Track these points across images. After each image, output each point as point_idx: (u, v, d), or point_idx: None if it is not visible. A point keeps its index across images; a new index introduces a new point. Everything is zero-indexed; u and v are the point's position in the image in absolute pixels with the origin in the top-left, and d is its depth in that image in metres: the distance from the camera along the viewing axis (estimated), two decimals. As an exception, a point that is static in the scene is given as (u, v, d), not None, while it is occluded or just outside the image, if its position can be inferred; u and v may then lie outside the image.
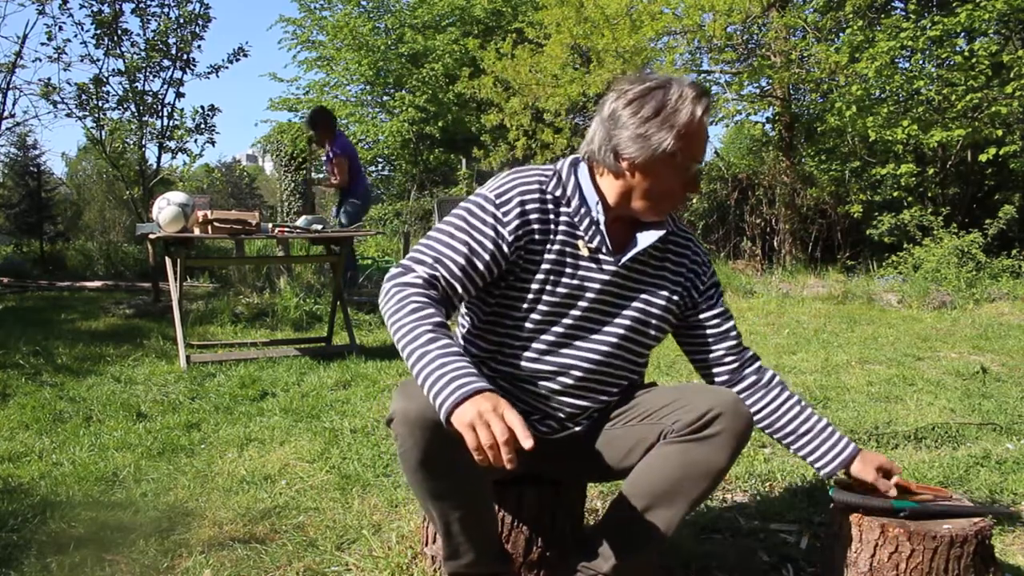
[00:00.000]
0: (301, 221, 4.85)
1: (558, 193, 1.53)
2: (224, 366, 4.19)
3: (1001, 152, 8.36)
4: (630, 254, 1.55)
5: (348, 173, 6.48)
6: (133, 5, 7.60)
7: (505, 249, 1.48)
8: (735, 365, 1.69)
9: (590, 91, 10.28)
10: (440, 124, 15.34)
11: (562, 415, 1.60)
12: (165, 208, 4.15)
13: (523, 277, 1.52)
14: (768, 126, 11.49)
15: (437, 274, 1.43)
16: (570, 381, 1.56)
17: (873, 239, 9.42)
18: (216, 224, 4.22)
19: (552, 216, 1.52)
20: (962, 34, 8.76)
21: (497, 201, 1.49)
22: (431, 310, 1.36)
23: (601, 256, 1.54)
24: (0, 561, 1.90)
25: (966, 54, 8.38)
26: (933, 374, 4.05)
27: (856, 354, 4.59)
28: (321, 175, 7.08)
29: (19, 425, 3.08)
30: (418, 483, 1.41)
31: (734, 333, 1.70)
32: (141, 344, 4.80)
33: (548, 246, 1.52)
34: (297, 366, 4.20)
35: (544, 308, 1.53)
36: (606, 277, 1.55)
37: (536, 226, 1.50)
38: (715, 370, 1.70)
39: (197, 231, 4.26)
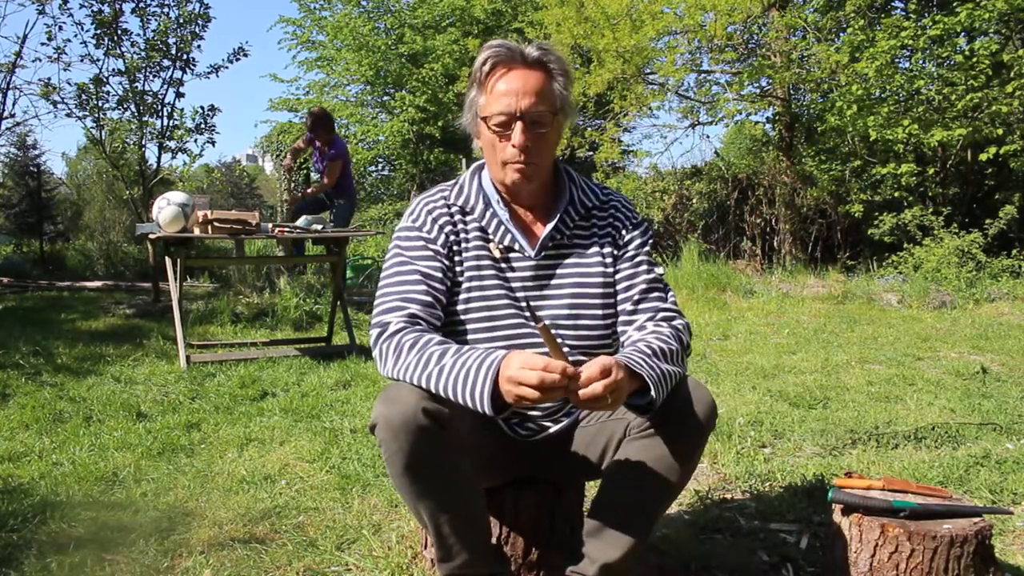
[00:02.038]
0: (301, 221, 4.86)
1: (460, 202, 1.57)
2: (224, 366, 4.19)
3: (1001, 151, 8.35)
4: (541, 242, 1.57)
5: (339, 175, 6.58)
6: (133, 5, 7.62)
7: (446, 262, 1.53)
8: (638, 322, 1.56)
9: (590, 91, 10.27)
10: (440, 124, 15.35)
11: (538, 412, 1.61)
12: (165, 208, 4.15)
13: (454, 290, 1.55)
14: (768, 126, 11.49)
15: (412, 311, 1.47)
16: None
17: (873, 239, 9.41)
18: (216, 224, 4.22)
19: (461, 225, 1.56)
20: (962, 33, 8.75)
21: (416, 224, 1.55)
22: (427, 336, 1.41)
23: (513, 254, 1.56)
24: (0, 561, 1.90)
25: (966, 53, 8.37)
26: (933, 374, 4.05)
27: (856, 354, 4.59)
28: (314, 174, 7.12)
29: (19, 425, 3.08)
30: (405, 487, 1.42)
31: (638, 289, 1.57)
32: (141, 344, 4.80)
33: (465, 254, 1.56)
34: (297, 366, 4.20)
35: (480, 315, 1.54)
36: (527, 272, 1.56)
37: (451, 237, 1.55)
38: (619, 327, 1.59)
39: (197, 231, 4.26)
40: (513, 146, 1.48)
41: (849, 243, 10.21)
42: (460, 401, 1.31)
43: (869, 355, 4.58)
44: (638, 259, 1.60)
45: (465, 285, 1.54)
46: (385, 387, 1.44)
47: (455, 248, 1.55)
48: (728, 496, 2.37)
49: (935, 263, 7.67)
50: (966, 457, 2.64)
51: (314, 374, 4.04)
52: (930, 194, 9.33)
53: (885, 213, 9.09)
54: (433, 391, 1.35)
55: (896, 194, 9.33)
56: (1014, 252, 7.97)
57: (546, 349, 1.32)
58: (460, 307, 1.55)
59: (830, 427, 3.04)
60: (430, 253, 1.53)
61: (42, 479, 2.47)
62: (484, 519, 1.57)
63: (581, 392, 1.25)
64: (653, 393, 1.35)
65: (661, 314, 1.57)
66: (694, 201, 10.62)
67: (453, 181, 1.62)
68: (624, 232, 1.62)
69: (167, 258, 4.49)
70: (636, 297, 1.57)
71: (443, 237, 1.54)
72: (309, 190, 6.89)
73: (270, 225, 4.79)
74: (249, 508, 2.25)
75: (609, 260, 1.60)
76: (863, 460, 2.66)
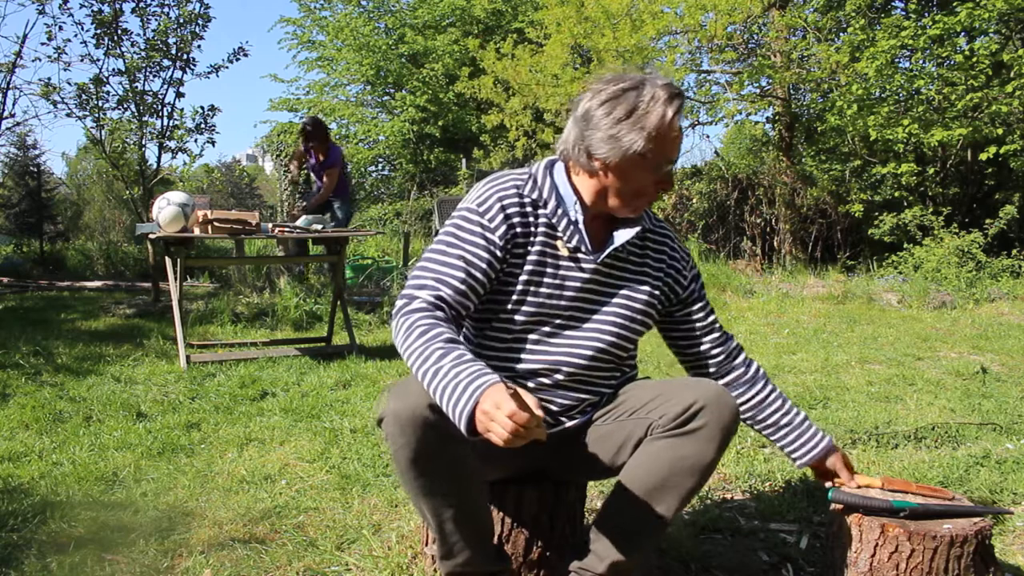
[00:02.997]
0: (301, 221, 4.86)
1: (535, 196, 1.56)
2: (224, 366, 4.19)
3: (1001, 151, 8.35)
4: (608, 251, 1.58)
5: (336, 185, 6.59)
6: (133, 5, 7.60)
7: (499, 254, 1.51)
8: (722, 357, 1.73)
9: (590, 91, 10.24)
10: (440, 124, 15.36)
11: (555, 408, 1.61)
12: (165, 208, 4.15)
13: (507, 280, 1.55)
14: (768, 126, 11.49)
15: (441, 294, 1.45)
16: (561, 377, 1.58)
17: (873, 239, 9.42)
18: (216, 224, 4.22)
19: (531, 218, 1.55)
20: (962, 33, 8.75)
21: (480, 210, 1.52)
22: (439, 328, 1.37)
23: (580, 255, 1.57)
24: (0, 561, 1.90)
25: (966, 53, 8.37)
26: (933, 374, 4.05)
27: (856, 354, 4.59)
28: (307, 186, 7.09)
29: (19, 425, 3.08)
30: (410, 482, 1.42)
31: (717, 325, 1.75)
32: (141, 344, 4.80)
33: (529, 247, 1.54)
34: (297, 366, 4.20)
35: (529, 308, 1.55)
36: (586, 275, 1.58)
37: (518, 229, 1.53)
38: (705, 362, 1.74)
39: (197, 231, 4.26)
40: (665, 188, 1.54)
41: (849, 243, 10.22)
42: (443, 408, 1.30)
43: (869, 355, 4.58)
44: (704, 300, 1.74)
45: (523, 278, 1.54)
46: (395, 382, 1.44)
47: (519, 241, 1.54)
48: (728, 496, 2.37)
49: (935, 263, 7.67)
50: (966, 457, 2.64)
51: (314, 374, 4.04)
52: (930, 194, 9.33)
53: (885, 213, 9.10)
54: (424, 386, 1.34)
55: (896, 194, 9.34)
56: (1014, 252, 7.97)
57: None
58: (515, 298, 1.54)
59: (830, 427, 3.04)
60: (483, 243, 1.50)
61: (42, 479, 2.47)
62: (487, 517, 1.58)
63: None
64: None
65: (754, 365, 1.77)
66: (694, 201, 10.62)
67: (523, 172, 1.60)
68: (683, 268, 1.70)
69: (167, 258, 4.49)
70: (719, 338, 1.74)
71: (504, 228, 1.51)
72: (313, 201, 6.85)
73: (270, 225, 4.79)
74: (249, 508, 2.25)
75: (660, 284, 1.65)
76: (863, 460, 2.66)
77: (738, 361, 1.74)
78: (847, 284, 7.64)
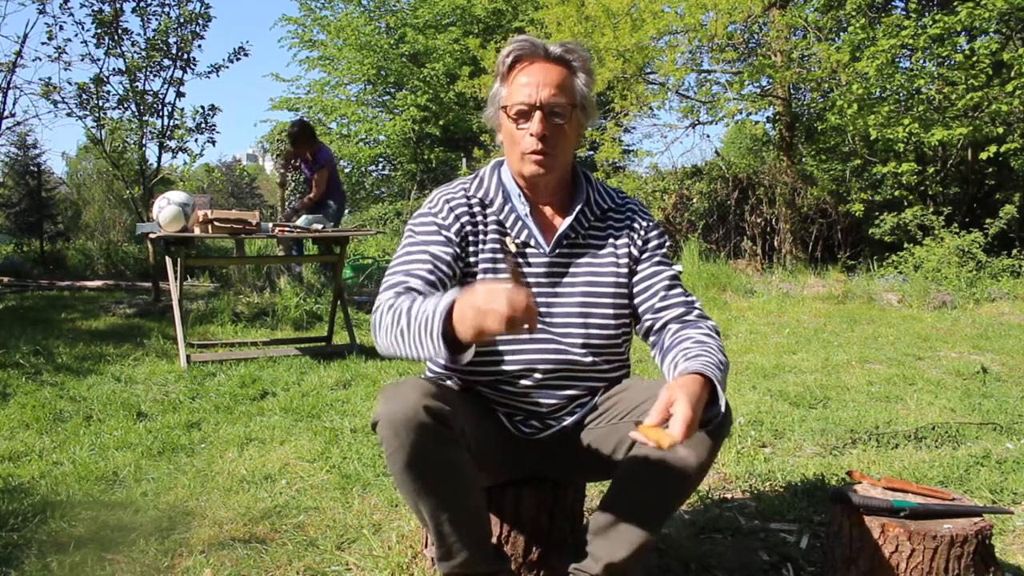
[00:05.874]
0: (301, 221, 4.86)
1: (480, 194, 1.59)
2: (224, 365, 4.19)
3: (1002, 150, 8.35)
4: (555, 239, 1.58)
5: (327, 184, 6.60)
6: (133, 4, 7.59)
7: (457, 249, 1.54)
8: (676, 326, 1.57)
9: (590, 90, 10.25)
10: (441, 123, 15.37)
11: (543, 409, 1.61)
12: (165, 208, 4.15)
13: (465, 281, 1.56)
14: (768, 125, 11.48)
15: (411, 284, 1.47)
16: (540, 376, 1.57)
17: (874, 238, 9.42)
18: (216, 224, 4.22)
19: (479, 217, 1.57)
20: (962, 32, 8.74)
21: (433, 211, 1.58)
22: (403, 297, 1.40)
23: (530, 249, 1.58)
24: (0, 561, 1.90)
25: (967, 53, 8.37)
26: (933, 374, 4.05)
27: (856, 354, 4.58)
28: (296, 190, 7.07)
29: (19, 425, 3.08)
30: (406, 484, 1.42)
31: (666, 283, 1.59)
32: (141, 344, 4.80)
33: (480, 246, 1.57)
34: (297, 366, 4.20)
35: None
36: (541, 269, 1.58)
37: (468, 227, 1.56)
38: (651, 331, 1.59)
39: (197, 230, 4.26)
40: (531, 135, 1.50)
41: (849, 243, 10.21)
42: (420, 350, 1.28)
43: (869, 355, 4.58)
44: (656, 258, 1.64)
45: (480, 277, 1.55)
46: (387, 384, 1.44)
47: (470, 239, 1.56)
48: (728, 496, 2.37)
49: (935, 263, 7.67)
50: (966, 457, 2.64)
51: (314, 374, 4.04)
52: (930, 193, 9.33)
53: (886, 212, 9.10)
54: (403, 348, 1.32)
55: (896, 193, 9.34)
56: (1014, 252, 7.97)
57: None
58: None
59: (830, 427, 3.04)
60: (442, 239, 1.54)
61: (42, 478, 2.47)
62: (484, 517, 1.57)
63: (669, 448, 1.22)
64: (721, 407, 1.37)
65: (696, 311, 1.59)
66: (694, 201, 10.61)
67: (473, 175, 1.63)
68: (642, 232, 1.64)
69: (167, 257, 4.49)
70: (662, 293, 1.60)
71: (458, 225, 1.55)
72: (304, 200, 6.83)
73: (270, 225, 4.78)
74: (249, 508, 2.25)
75: (624, 260, 1.61)
76: (863, 460, 2.66)
77: (680, 324, 1.56)
78: (847, 284, 7.64)
